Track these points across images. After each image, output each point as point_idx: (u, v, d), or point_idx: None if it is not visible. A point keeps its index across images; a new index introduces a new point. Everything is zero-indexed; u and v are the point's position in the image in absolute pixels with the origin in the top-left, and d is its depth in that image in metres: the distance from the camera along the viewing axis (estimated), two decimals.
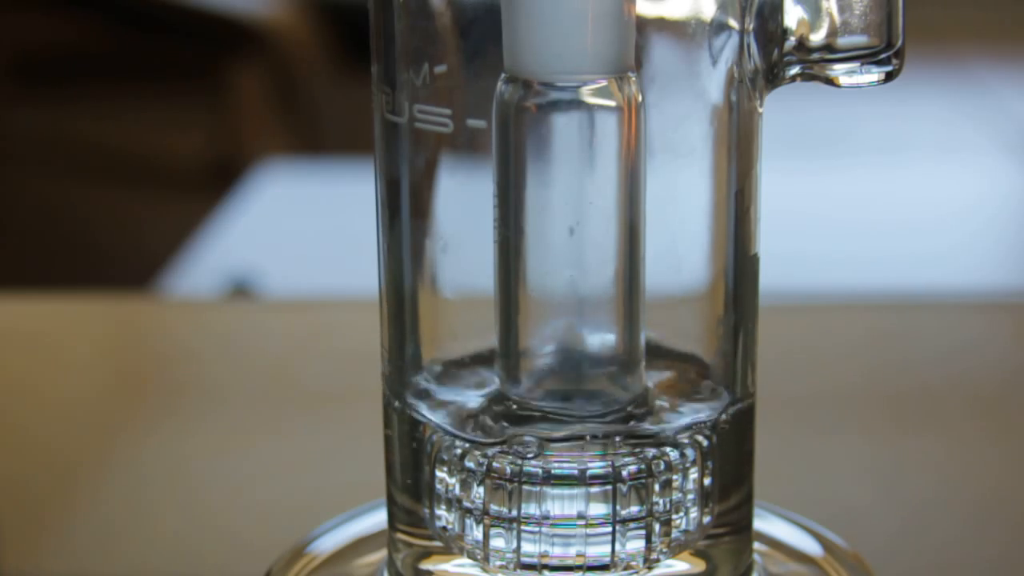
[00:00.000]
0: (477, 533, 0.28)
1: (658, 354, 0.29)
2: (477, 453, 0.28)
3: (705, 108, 0.28)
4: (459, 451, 0.28)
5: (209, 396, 0.48)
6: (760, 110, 0.28)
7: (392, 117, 0.28)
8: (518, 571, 0.28)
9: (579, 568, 0.28)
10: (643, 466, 0.27)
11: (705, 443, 0.28)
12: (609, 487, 0.27)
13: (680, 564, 0.28)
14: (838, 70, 0.27)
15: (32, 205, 1.50)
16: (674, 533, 0.28)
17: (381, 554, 0.31)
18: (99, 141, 1.53)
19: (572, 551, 0.28)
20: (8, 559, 0.38)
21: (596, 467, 0.27)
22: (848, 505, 0.39)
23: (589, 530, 0.27)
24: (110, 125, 1.53)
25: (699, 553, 0.29)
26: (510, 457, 0.27)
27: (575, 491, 0.27)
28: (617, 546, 0.28)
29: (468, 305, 0.29)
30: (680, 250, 0.28)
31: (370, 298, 0.30)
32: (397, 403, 0.29)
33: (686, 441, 0.28)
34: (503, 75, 0.27)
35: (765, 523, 0.32)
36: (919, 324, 0.54)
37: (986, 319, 0.55)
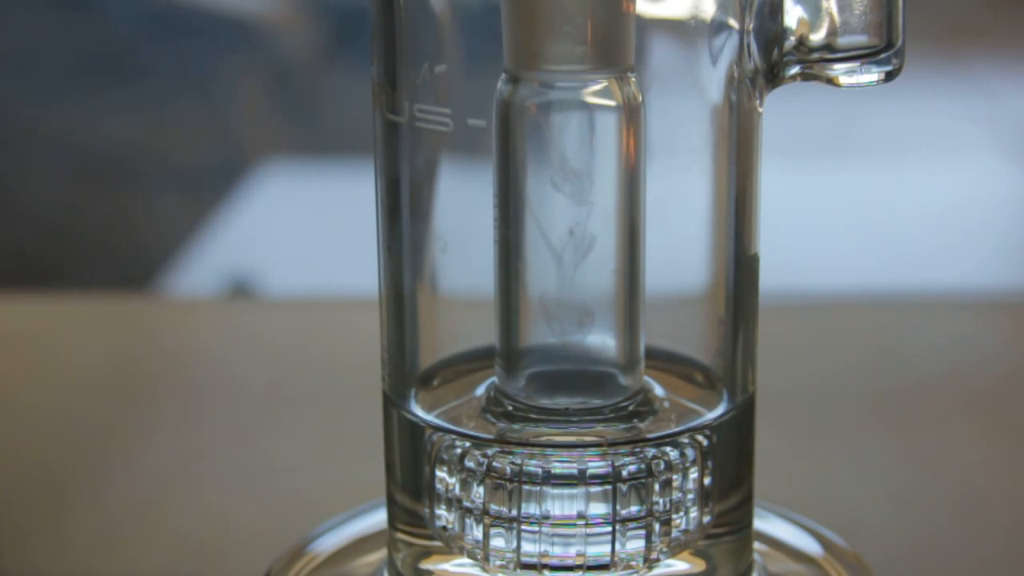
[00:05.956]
0: (477, 533, 0.28)
1: (658, 354, 0.29)
2: (477, 453, 0.28)
3: (705, 108, 0.28)
4: (459, 451, 0.28)
5: (209, 396, 0.48)
6: (760, 110, 0.28)
7: (392, 117, 0.28)
8: (518, 571, 0.28)
9: (579, 568, 0.28)
10: (643, 466, 0.27)
11: (705, 443, 0.28)
12: (609, 487, 0.27)
13: (680, 564, 0.28)
14: (838, 70, 0.27)
15: (32, 205, 1.50)
16: (674, 533, 0.28)
17: (381, 554, 0.31)
18: (99, 141, 1.53)
19: (572, 551, 0.28)
20: (8, 559, 0.38)
21: (596, 467, 0.27)
22: (848, 505, 0.39)
23: (589, 530, 0.27)
24: (110, 125, 1.53)
25: (699, 553, 0.29)
26: (509, 458, 0.27)
27: (575, 491, 0.27)
28: (617, 546, 0.28)
29: (468, 305, 0.29)
30: (680, 250, 0.28)
31: (370, 298, 0.30)
32: (397, 403, 0.29)
33: (686, 441, 0.28)
34: (503, 75, 0.27)
35: (765, 523, 0.32)
36: (919, 324, 0.54)
37: (985, 319, 0.55)
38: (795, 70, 0.28)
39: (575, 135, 0.27)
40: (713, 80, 0.27)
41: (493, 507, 0.28)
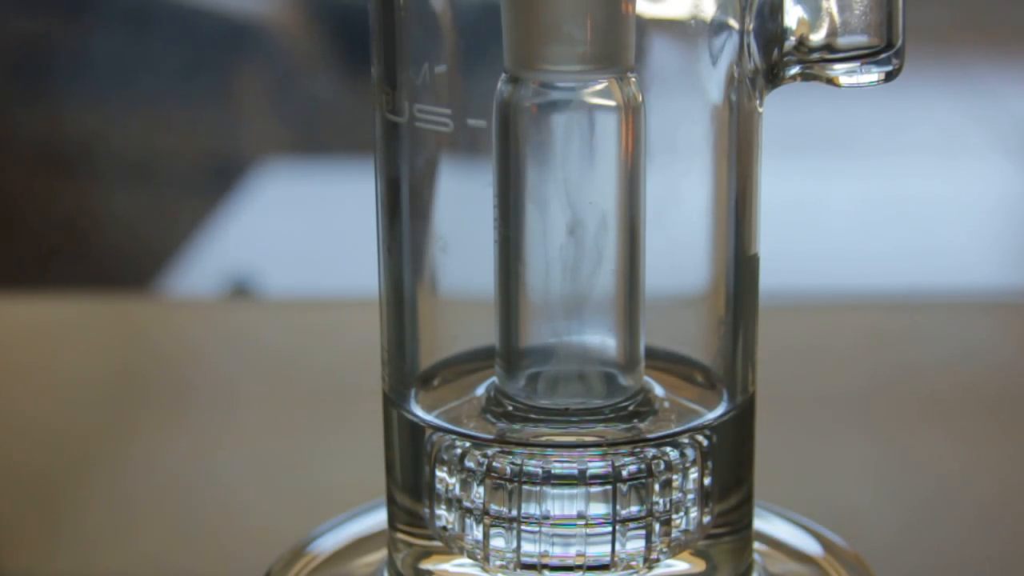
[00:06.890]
0: (477, 533, 0.28)
1: (658, 354, 0.29)
2: (477, 453, 0.28)
3: (705, 108, 0.28)
4: (459, 451, 0.28)
5: (209, 396, 0.48)
6: (760, 110, 0.28)
7: (392, 117, 0.28)
8: (518, 571, 0.28)
9: (579, 568, 0.28)
10: (643, 466, 0.27)
11: (705, 443, 0.28)
12: (609, 487, 0.27)
13: (680, 564, 0.28)
14: (838, 70, 0.27)
15: (32, 205, 1.50)
16: (674, 533, 0.28)
17: (381, 554, 0.31)
18: (99, 141, 1.53)
19: (572, 551, 0.28)
20: (8, 559, 0.38)
21: (596, 467, 0.27)
22: (848, 505, 0.39)
23: (589, 530, 0.27)
24: (110, 125, 1.53)
25: (699, 553, 0.29)
26: (509, 458, 0.27)
27: (575, 491, 0.27)
28: (617, 546, 0.28)
29: (468, 305, 0.29)
30: (680, 250, 0.28)
31: (370, 298, 0.30)
32: (397, 403, 0.29)
33: (686, 441, 0.28)
34: (503, 75, 0.27)
35: (765, 523, 0.32)
36: (919, 324, 0.54)
37: (986, 319, 0.55)
38: (795, 70, 0.28)
39: (575, 135, 0.27)
40: (713, 80, 0.27)
41: (493, 507, 0.28)
